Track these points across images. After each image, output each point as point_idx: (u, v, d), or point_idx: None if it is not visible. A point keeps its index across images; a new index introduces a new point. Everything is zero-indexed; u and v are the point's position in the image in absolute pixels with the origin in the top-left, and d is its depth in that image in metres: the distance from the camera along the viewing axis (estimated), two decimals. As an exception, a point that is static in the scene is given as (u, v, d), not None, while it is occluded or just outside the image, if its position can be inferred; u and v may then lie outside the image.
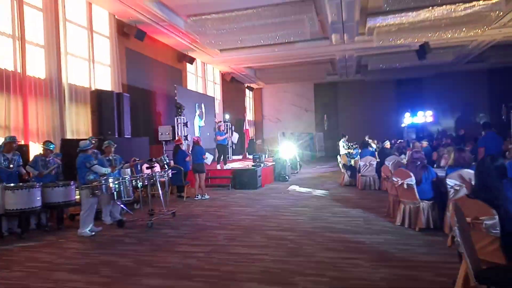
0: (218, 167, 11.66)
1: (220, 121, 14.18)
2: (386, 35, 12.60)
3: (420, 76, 21.19)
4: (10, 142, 6.22)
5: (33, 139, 7.72)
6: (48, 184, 6.30)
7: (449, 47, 15.92)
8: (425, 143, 10.17)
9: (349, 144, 14.34)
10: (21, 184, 6.03)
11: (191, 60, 14.85)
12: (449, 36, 12.63)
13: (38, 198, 5.98)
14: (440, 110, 20.84)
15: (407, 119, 20.85)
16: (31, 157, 6.88)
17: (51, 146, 6.75)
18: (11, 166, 6.15)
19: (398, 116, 21.23)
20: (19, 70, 7.55)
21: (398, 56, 16.62)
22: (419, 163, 5.79)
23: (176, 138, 10.89)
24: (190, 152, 9.91)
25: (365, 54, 16.84)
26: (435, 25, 11.80)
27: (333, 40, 14.11)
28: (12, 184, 5.91)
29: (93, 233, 5.94)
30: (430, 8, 10.86)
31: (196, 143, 9.58)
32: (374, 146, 12.75)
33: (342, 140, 15.28)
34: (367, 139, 12.71)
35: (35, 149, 7.46)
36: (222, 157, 11.74)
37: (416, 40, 13.19)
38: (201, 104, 14.01)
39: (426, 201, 5.49)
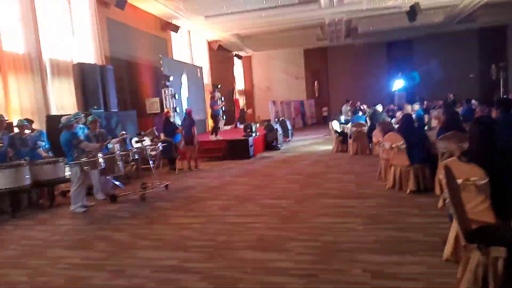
0: (211, 138, 11.59)
1: (215, 91, 13.93)
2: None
3: (410, 38, 20.92)
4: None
5: (17, 117, 7.50)
6: (37, 161, 6.20)
7: (439, 7, 15.60)
8: (416, 106, 10.16)
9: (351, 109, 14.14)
10: (9, 163, 5.92)
11: (176, 28, 14.33)
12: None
13: (27, 176, 5.90)
14: (430, 72, 20.74)
15: (398, 83, 20.75)
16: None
17: (24, 121, 6.64)
18: (1, 145, 6.02)
19: (389, 80, 21.11)
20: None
21: (388, 17, 16.27)
22: (409, 126, 5.78)
23: (165, 110, 10.70)
24: (181, 124, 9.77)
25: (355, 17, 16.44)
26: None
27: (321, 3, 13.69)
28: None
29: (86, 208, 5.92)
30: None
31: (188, 114, 9.42)
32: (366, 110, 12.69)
33: (345, 105, 15.11)
34: (359, 105, 12.66)
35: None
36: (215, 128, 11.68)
37: (406, 0, 12.87)
38: (184, 73, 13.69)
39: (416, 164, 5.53)
